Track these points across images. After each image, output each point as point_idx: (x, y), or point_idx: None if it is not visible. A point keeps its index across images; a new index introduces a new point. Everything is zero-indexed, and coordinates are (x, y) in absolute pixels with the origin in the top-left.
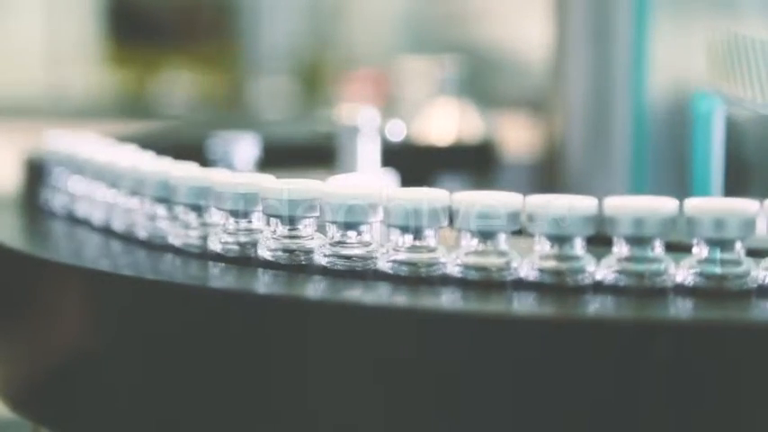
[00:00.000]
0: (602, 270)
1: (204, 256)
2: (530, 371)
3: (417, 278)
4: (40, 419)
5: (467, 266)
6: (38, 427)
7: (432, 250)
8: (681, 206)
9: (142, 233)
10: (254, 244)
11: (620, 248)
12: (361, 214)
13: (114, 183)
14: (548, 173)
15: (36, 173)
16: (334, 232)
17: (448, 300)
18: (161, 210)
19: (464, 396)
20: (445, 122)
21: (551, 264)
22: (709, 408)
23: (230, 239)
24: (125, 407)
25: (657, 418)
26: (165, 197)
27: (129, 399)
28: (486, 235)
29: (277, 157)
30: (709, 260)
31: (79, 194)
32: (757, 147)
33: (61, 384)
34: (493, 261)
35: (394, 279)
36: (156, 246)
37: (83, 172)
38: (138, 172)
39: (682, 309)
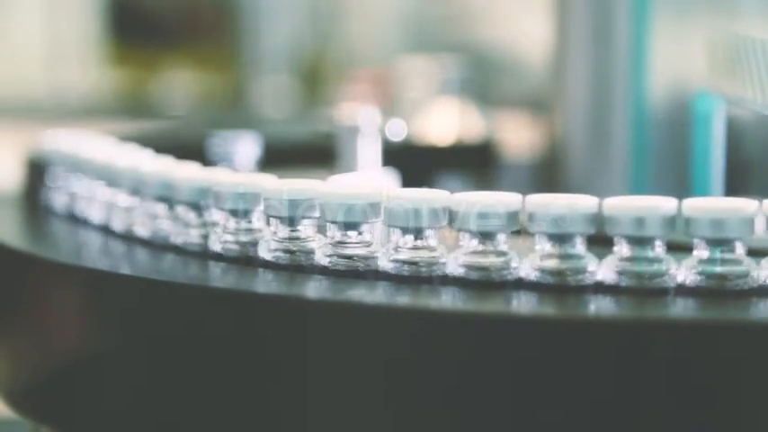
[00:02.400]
0: (603, 270)
1: (205, 255)
2: (530, 371)
3: (418, 278)
4: (40, 419)
5: (467, 266)
6: (38, 427)
7: (432, 250)
8: (680, 206)
9: (143, 233)
10: (255, 244)
11: (621, 248)
12: (362, 214)
13: (115, 182)
14: (548, 173)
15: (37, 172)
16: (334, 232)
17: (448, 300)
18: (162, 209)
19: (464, 396)
20: (446, 122)
21: (552, 263)
22: (710, 408)
23: (231, 239)
24: (125, 406)
25: (657, 418)
26: (166, 196)
27: (130, 398)
28: (485, 235)
29: (278, 157)
30: (709, 260)
31: (80, 194)
32: (758, 147)
33: (62, 384)
34: (493, 261)
35: (395, 279)
36: (158, 245)
37: (84, 171)
38: (138, 171)
39: (682, 309)
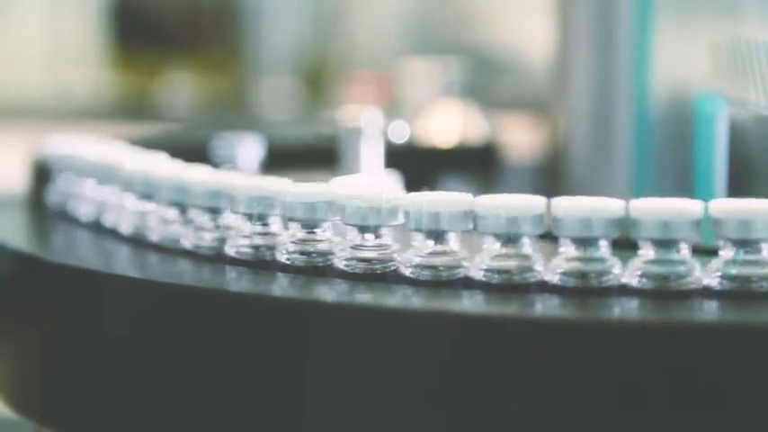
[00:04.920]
0: (628, 273)
1: (220, 259)
2: (554, 374)
3: (439, 282)
4: (44, 421)
5: (490, 270)
6: (41, 429)
7: (454, 254)
8: (706, 208)
9: (155, 236)
10: (271, 247)
11: (646, 251)
12: (382, 217)
13: (126, 186)
14: (551, 175)
15: (43, 175)
16: (353, 235)
17: (470, 303)
18: (175, 213)
19: (486, 399)
20: (448, 124)
21: (576, 266)
22: (737, 411)
23: (246, 243)
24: (132, 408)
25: (684, 420)
26: (179, 200)
27: (138, 401)
28: (509, 238)
29: (281, 159)
30: (734, 262)
31: (88, 197)
32: (761, 149)
33: (65, 386)
34: (516, 264)
35: (415, 283)
36: (170, 249)
37: (90, 174)
38: (150, 174)
39: (707, 311)
